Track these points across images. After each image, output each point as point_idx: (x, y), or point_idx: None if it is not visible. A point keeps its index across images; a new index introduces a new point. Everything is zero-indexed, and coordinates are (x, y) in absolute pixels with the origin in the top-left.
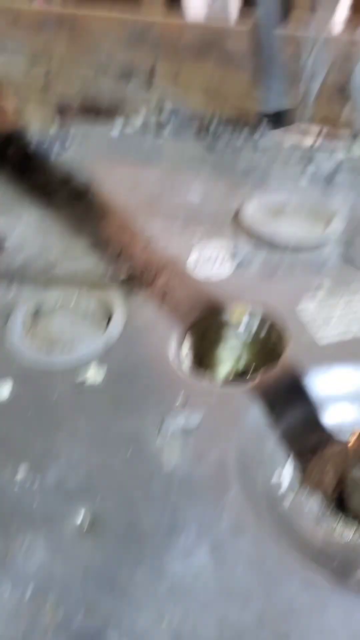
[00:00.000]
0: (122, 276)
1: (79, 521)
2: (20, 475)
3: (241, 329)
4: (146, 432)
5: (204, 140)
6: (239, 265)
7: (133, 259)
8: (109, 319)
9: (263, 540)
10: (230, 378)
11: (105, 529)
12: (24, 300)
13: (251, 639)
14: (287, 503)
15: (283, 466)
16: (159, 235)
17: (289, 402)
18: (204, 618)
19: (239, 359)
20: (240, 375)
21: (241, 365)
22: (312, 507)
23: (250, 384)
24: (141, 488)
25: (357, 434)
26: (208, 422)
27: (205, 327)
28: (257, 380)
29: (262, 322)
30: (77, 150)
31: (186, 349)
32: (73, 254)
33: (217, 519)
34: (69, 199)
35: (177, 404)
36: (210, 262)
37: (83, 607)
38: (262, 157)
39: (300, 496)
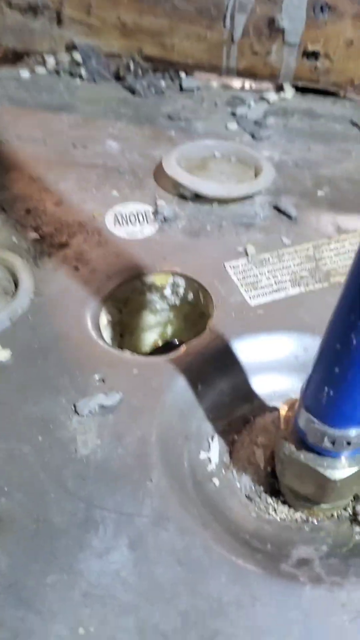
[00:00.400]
0: (31, 238)
1: None
2: None
3: (167, 292)
4: (60, 414)
5: (123, 82)
6: (163, 223)
7: (43, 218)
8: (15, 288)
9: (189, 529)
10: (159, 346)
11: (13, 528)
12: None
13: None
14: (215, 482)
15: (211, 441)
16: (74, 190)
17: (216, 372)
18: (123, 623)
19: (166, 325)
20: (169, 344)
21: (169, 332)
22: (243, 485)
23: (175, 355)
24: (52, 478)
25: (287, 405)
26: (129, 398)
27: (128, 293)
28: (182, 350)
29: (189, 284)
30: None
31: (106, 319)
32: None
33: (138, 508)
34: None
35: (95, 381)
36: (131, 220)
37: None
38: (187, 101)
39: (230, 474)
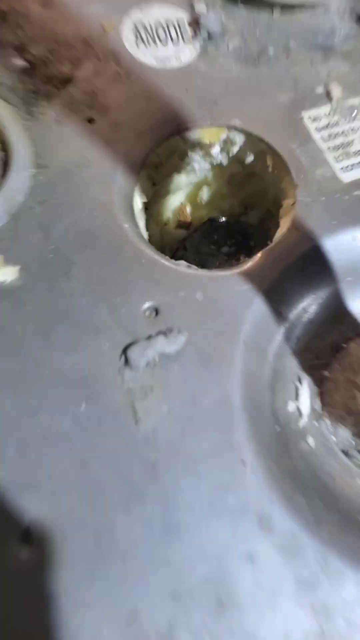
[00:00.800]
0: (17, 67)
1: (17, 538)
2: None
3: (214, 151)
4: (104, 367)
5: None
6: (207, 42)
7: (29, 30)
8: (6, 161)
9: (297, 531)
10: (187, 215)
11: (62, 548)
12: None
13: None
14: (310, 442)
15: (299, 385)
16: None
17: (302, 286)
18: None
19: (199, 186)
20: (207, 223)
21: (204, 197)
22: (340, 439)
23: (249, 265)
24: (112, 468)
25: None
26: (197, 338)
27: (163, 157)
28: (258, 259)
29: (251, 144)
30: None
31: (140, 202)
32: None
33: (234, 505)
34: None
35: (145, 312)
36: (159, 35)
37: None
38: None
39: (324, 425)
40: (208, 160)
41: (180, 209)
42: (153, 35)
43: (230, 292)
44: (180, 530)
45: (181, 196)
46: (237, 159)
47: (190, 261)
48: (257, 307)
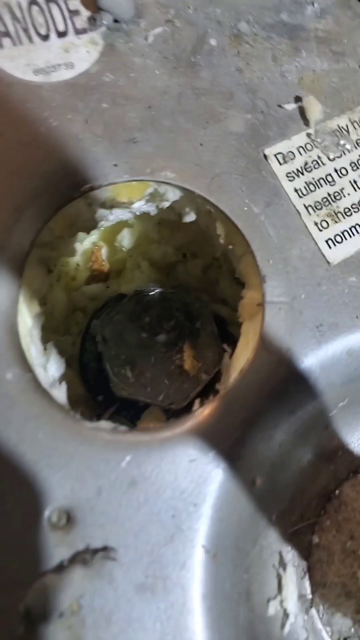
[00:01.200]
0: None
1: None
2: None
3: (138, 206)
4: None
5: None
6: (115, 31)
7: None
8: None
9: None
10: (104, 264)
11: None
12: None
13: None
14: None
15: (282, 573)
16: None
17: (278, 421)
18: None
19: (118, 231)
20: (135, 296)
21: (126, 243)
22: (336, 631)
23: (200, 414)
24: None
25: None
26: (127, 553)
27: (61, 228)
28: (214, 405)
29: (190, 200)
30: None
31: (30, 317)
32: None
33: None
34: None
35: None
36: (35, 24)
37: None
38: None
39: (314, 623)
40: (128, 212)
41: (93, 254)
42: (25, 24)
43: (176, 466)
44: None
45: (92, 238)
46: (172, 210)
47: (112, 360)
48: (218, 477)
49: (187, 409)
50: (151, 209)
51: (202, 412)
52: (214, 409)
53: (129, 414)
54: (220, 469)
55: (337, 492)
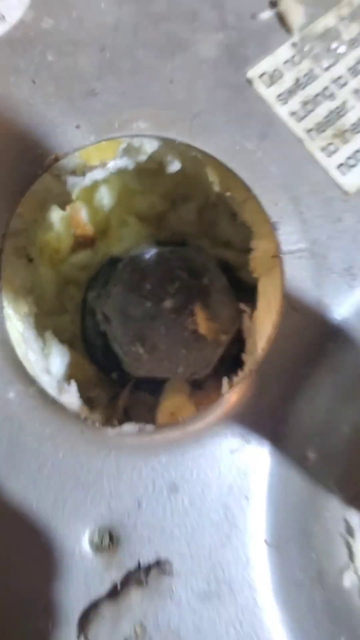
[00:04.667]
0: None
1: None
2: None
3: (113, 165)
4: None
5: None
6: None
7: None
8: None
9: None
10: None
11: None
12: None
13: None
14: None
15: (352, 541)
16: None
17: (326, 388)
18: None
19: (95, 188)
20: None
21: (107, 202)
22: None
23: (230, 394)
24: None
25: None
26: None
27: (33, 211)
28: (243, 379)
29: (171, 148)
30: None
31: (17, 319)
32: None
33: None
34: None
35: None
36: None
37: None
38: None
39: None
40: (102, 172)
41: (73, 219)
42: None
43: (217, 460)
44: None
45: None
46: (152, 160)
47: (119, 339)
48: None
49: (213, 377)
50: (128, 163)
51: (234, 395)
52: (246, 388)
53: (150, 386)
54: (266, 454)
55: None
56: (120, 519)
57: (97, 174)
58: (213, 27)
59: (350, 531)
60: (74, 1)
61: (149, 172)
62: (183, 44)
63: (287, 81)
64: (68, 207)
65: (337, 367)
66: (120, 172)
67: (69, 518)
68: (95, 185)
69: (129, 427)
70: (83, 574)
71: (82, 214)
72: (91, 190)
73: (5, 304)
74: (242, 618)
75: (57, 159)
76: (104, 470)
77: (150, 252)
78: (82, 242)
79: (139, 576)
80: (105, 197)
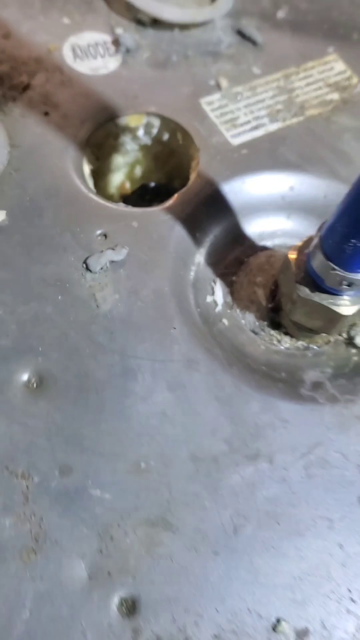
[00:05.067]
0: None
1: (24, 382)
2: None
3: (140, 133)
4: (73, 273)
5: None
6: (126, 54)
7: None
8: None
9: (217, 369)
10: (128, 192)
11: (56, 386)
12: None
13: (226, 464)
14: (225, 322)
15: (214, 285)
16: (19, 18)
17: (210, 217)
18: (178, 454)
19: (134, 166)
20: (142, 188)
21: (138, 173)
22: (248, 322)
23: (169, 204)
24: (82, 334)
25: (296, 251)
26: (136, 252)
27: (102, 138)
28: (174, 199)
29: (165, 124)
30: None
31: (88, 168)
32: None
33: (168, 354)
34: None
35: (97, 236)
36: (90, 53)
37: (56, 468)
38: None
39: (235, 313)
40: (136, 142)
41: (122, 185)
42: (86, 52)
43: (157, 221)
44: (134, 370)
45: (121, 175)
46: (158, 140)
47: None
48: (178, 231)
49: None
50: (147, 140)
51: (169, 202)
52: (174, 201)
53: None
54: (178, 225)
55: (246, 259)
56: None
57: (133, 146)
58: (190, 84)
59: (214, 282)
60: None
61: (159, 159)
62: None
63: (215, 105)
64: (120, 181)
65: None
66: (145, 157)
67: None
68: (133, 165)
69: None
70: None
71: (127, 184)
72: (131, 169)
73: (84, 163)
74: None
75: (117, 117)
76: None
77: (152, 184)
78: (124, 197)
79: (113, 248)
80: (138, 173)
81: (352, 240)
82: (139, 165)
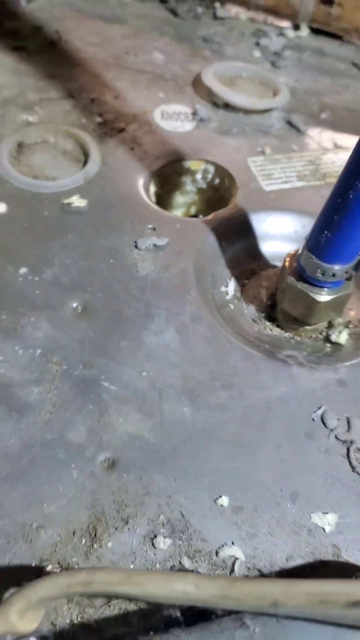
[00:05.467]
0: (96, 121)
1: (73, 307)
2: (22, 272)
3: (198, 177)
4: (124, 248)
5: (166, 4)
6: (200, 122)
7: (105, 107)
8: (86, 159)
9: (216, 327)
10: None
11: (96, 314)
12: (7, 135)
13: (207, 387)
14: (231, 307)
15: (228, 280)
16: (128, 88)
17: (236, 234)
18: (172, 373)
19: (190, 205)
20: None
21: (193, 211)
22: (249, 311)
23: (207, 218)
24: (122, 286)
25: (291, 255)
26: (174, 242)
27: (169, 173)
28: (212, 216)
29: (218, 170)
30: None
31: (153, 189)
32: (50, 96)
33: (181, 310)
34: (41, 47)
35: (149, 228)
36: (173, 117)
37: (81, 363)
38: (219, 28)
39: (241, 303)
40: (194, 184)
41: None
42: (171, 116)
43: (195, 227)
44: (153, 315)
45: (180, 212)
46: (210, 185)
47: None
48: (210, 238)
49: None
50: (203, 184)
51: (207, 217)
52: (211, 217)
53: None
54: (211, 235)
55: (258, 271)
56: None
57: (191, 188)
58: (243, 146)
59: (229, 279)
60: None
61: (210, 202)
62: None
63: (259, 164)
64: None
65: None
66: (200, 200)
67: None
68: (189, 205)
69: None
70: None
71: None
72: (188, 208)
73: (152, 185)
74: None
75: (183, 160)
76: None
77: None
78: None
79: (157, 236)
80: (193, 211)
81: (325, 232)
82: (194, 205)
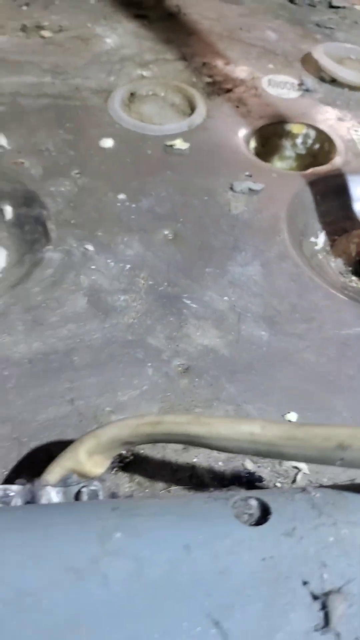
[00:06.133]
0: (205, 81)
1: (165, 234)
2: (120, 198)
3: (298, 141)
4: (219, 188)
5: None
6: (305, 92)
7: (215, 70)
8: (192, 112)
9: (301, 266)
10: None
11: (185, 242)
12: (123, 84)
13: (286, 317)
14: (319, 256)
15: (319, 232)
16: (239, 58)
17: (331, 192)
18: (253, 301)
19: (290, 170)
20: None
21: None
22: (337, 264)
23: (305, 173)
24: (213, 221)
25: None
26: (269, 189)
27: (270, 133)
28: (310, 171)
29: (319, 135)
30: None
31: (253, 145)
32: (165, 57)
33: (268, 248)
34: (162, 17)
35: (245, 174)
36: (280, 85)
37: (166, 281)
38: (333, 16)
39: (329, 256)
40: (294, 149)
41: None
42: (277, 84)
43: (292, 178)
44: (240, 249)
45: None
46: (309, 151)
47: None
48: (305, 191)
49: None
50: (302, 150)
51: (304, 172)
52: (308, 172)
53: None
54: (307, 187)
55: (350, 230)
56: None
57: (290, 153)
58: (347, 114)
59: (320, 232)
60: None
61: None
62: None
63: None
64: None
65: None
66: (298, 166)
67: None
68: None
69: None
70: None
71: None
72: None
73: (252, 140)
74: None
75: (285, 122)
76: None
77: None
78: None
79: (253, 181)
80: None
81: None
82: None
